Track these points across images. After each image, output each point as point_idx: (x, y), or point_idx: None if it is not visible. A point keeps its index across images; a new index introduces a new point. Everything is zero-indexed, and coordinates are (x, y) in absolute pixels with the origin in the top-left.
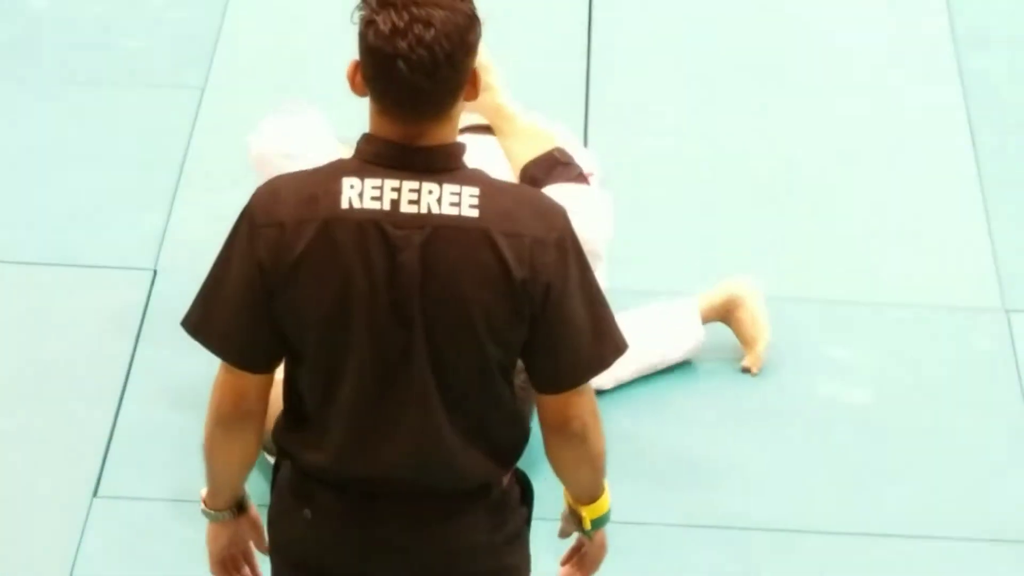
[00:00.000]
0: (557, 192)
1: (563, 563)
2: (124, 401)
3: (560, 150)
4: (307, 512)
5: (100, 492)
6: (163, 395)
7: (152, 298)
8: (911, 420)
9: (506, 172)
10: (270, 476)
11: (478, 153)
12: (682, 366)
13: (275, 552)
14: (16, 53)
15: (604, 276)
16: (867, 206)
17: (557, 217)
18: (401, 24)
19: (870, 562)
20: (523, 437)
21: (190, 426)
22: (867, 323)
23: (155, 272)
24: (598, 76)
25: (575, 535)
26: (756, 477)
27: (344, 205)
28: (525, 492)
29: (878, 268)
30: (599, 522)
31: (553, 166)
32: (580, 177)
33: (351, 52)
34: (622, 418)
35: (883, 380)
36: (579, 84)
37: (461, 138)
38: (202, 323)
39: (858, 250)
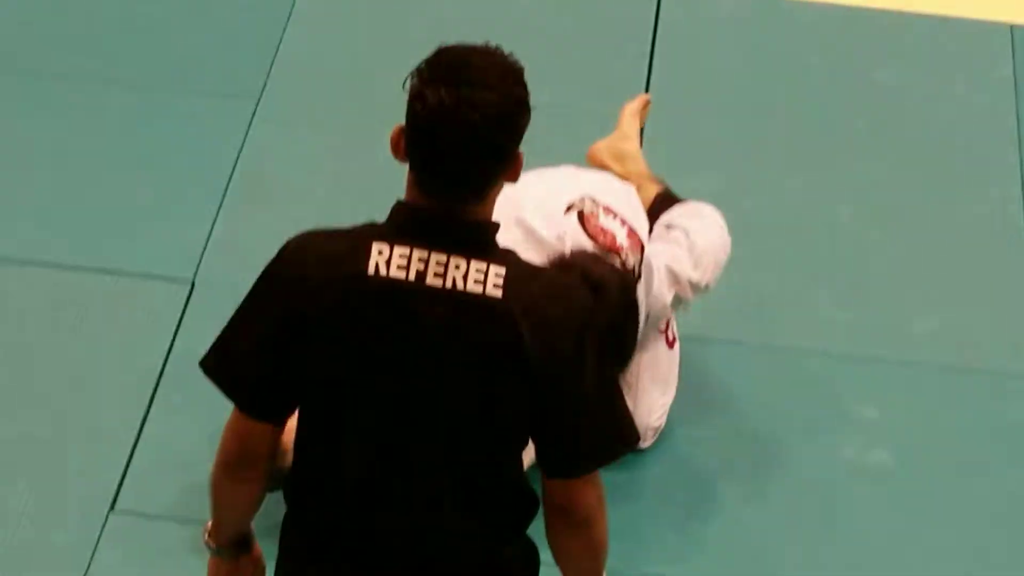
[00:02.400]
0: (690, 208)
1: None
2: (150, 415)
3: None
4: (312, 573)
5: (117, 507)
6: (190, 412)
7: (188, 311)
8: (932, 487)
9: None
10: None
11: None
12: (698, 415)
13: None
14: (71, 50)
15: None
16: (908, 263)
17: (581, 308)
18: (449, 102)
19: None
20: (529, 513)
21: (213, 447)
22: (898, 384)
23: (193, 284)
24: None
25: None
26: (766, 537)
27: (370, 271)
28: (531, 561)
29: (915, 327)
30: None
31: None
32: None
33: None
34: (629, 467)
35: (908, 444)
36: None
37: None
38: (218, 365)
39: (896, 308)
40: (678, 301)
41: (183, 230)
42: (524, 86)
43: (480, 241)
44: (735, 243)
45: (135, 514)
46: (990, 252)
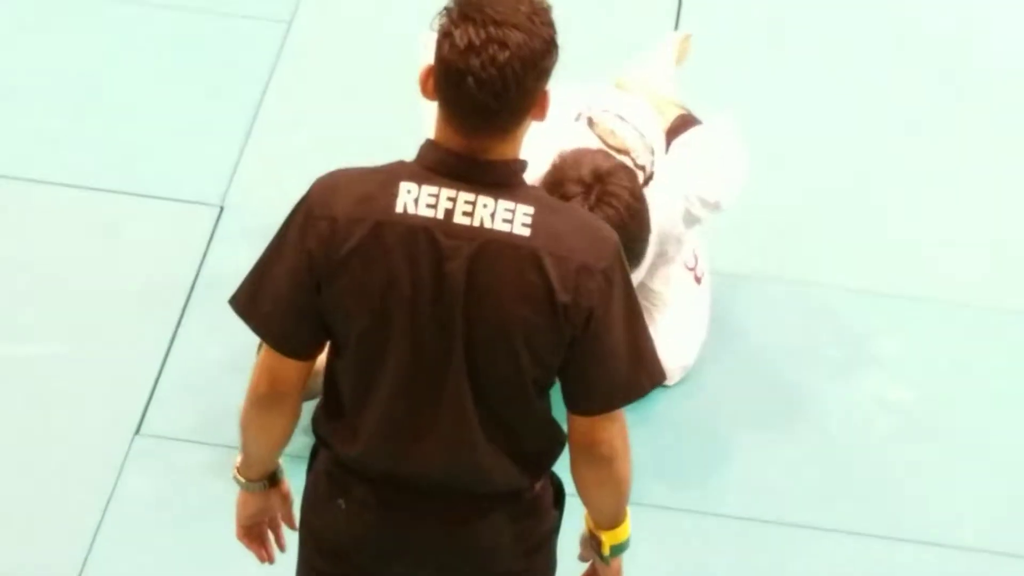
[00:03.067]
0: (707, 128)
1: None
2: (176, 340)
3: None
4: (341, 502)
5: (142, 431)
6: (216, 336)
7: (216, 236)
8: (952, 423)
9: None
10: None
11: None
12: (725, 350)
13: (308, 536)
14: None
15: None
16: (937, 202)
17: (608, 245)
18: (477, 42)
19: (890, 567)
20: (556, 448)
21: (239, 372)
22: (922, 320)
23: (222, 209)
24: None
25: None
26: (784, 469)
27: (399, 209)
28: (558, 495)
29: (941, 265)
30: (618, 549)
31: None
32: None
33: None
34: (654, 403)
35: (929, 380)
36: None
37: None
38: (249, 304)
39: (923, 246)
40: (691, 219)
41: (213, 153)
42: (551, 25)
43: (508, 180)
44: (761, 178)
45: (160, 437)
46: (1015, 192)
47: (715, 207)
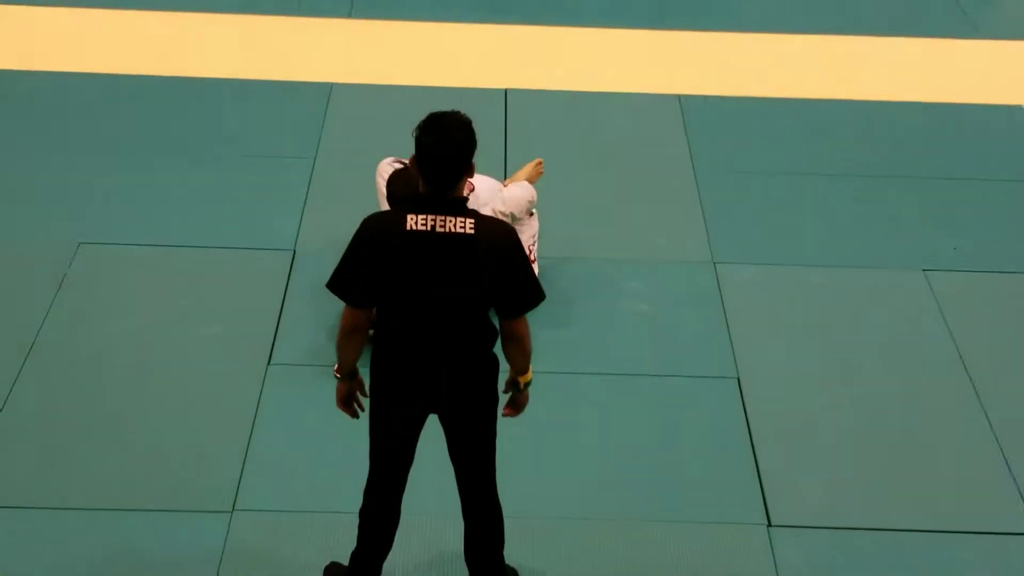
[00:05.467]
0: (514, 182)
1: (504, 408)
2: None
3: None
4: (391, 381)
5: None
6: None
7: (293, 272)
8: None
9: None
10: None
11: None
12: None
13: (376, 393)
14: (190, 135)
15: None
16: None
17: (511, 232)
18: (435, 140)
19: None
20: (495, 337)
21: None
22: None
23: (294, 253)
24: None
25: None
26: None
27: (408, 227)
28: (496, 361)
29: None
30: (528, 384)
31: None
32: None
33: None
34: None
35: None
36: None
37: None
38: (335, 283)
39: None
40: (505, 219)
41: (281, 212)
42: (471, 129)
43: (459, 208)
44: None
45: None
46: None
47: (510, 217)
